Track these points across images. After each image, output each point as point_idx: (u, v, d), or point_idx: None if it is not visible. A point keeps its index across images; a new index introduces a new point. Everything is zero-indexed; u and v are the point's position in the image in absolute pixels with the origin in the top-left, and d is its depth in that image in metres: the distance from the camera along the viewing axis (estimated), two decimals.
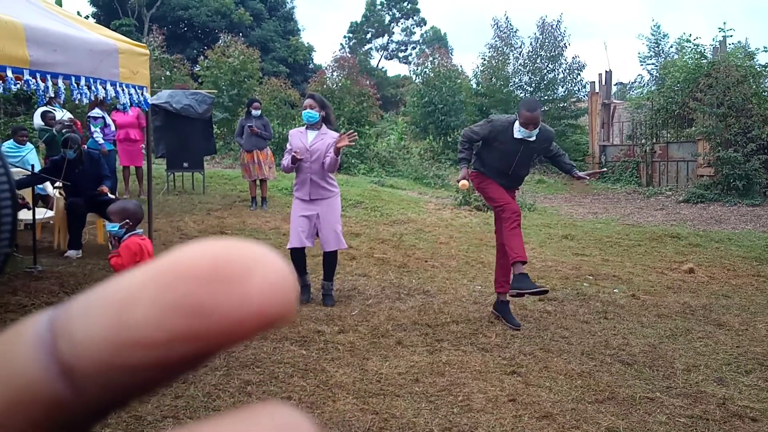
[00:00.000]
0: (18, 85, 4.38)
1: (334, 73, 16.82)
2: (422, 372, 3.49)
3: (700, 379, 3.49)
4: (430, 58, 18.71)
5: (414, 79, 19.90)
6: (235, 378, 3.30)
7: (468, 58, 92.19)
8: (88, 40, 4.86)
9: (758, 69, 12.57)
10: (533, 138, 4.21)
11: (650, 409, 3.11)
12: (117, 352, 0.21)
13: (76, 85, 4.74)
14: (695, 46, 13.66)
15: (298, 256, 4.67)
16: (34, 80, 4.36)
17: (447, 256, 6.52)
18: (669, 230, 8.71)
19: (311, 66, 31.60)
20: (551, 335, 4.16)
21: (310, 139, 4.57)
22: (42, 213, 6.05)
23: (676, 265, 6.41)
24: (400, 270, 5.82)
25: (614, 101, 16.95)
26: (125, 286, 0.22)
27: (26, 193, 5.76)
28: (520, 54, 18.93)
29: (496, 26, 19.43)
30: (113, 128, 8.64)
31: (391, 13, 38.77)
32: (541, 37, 18.44)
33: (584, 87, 18.25)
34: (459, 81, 18.21)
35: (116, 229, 3.40)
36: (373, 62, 38.10)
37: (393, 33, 39.44)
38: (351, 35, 38.63)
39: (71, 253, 5.71)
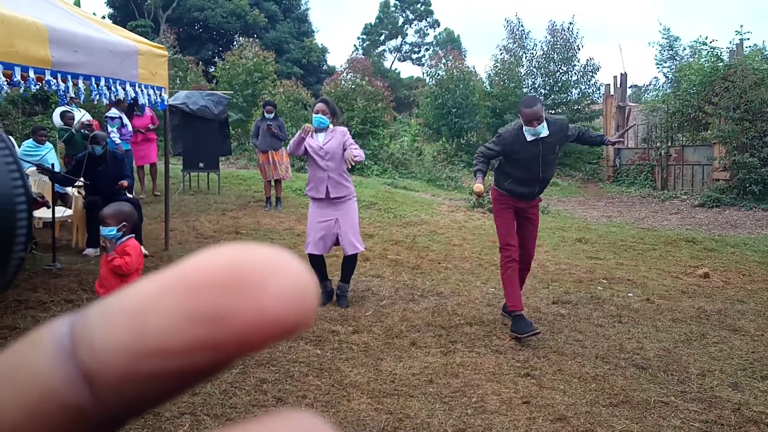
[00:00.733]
0: (39, 86, 4.46)
1: (348, 75, 16.90)
2: (436, 373, 3.51)
3: (714, 384, 3.48)
4: (444, 60, 18.71)
5: (427, 81, 19.91)
6: (251, 376, 3.34)
7: (481, 60, 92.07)
8: (108, 42, 4.93)
9: None
10: (547, 133, 4.07)
11: (664, 413, 3.11)
12: (137, 360, 0.21)
13: (96, 85, 4.82)
14: (711, 49, 13.56)
15: (318, 263, 4.71)
16: (55, 81, 4.43)
17: (460, 258, 6.53)
18: (684, 234, 8.66)
19: (325, 67, 31.73)
20: (565, 338, 4.16)
21: (321, 140, 4.62)
22: (61, 211, 6.13)
23: (691, 269, 6.38)
24: (413, 271, 5.85)
25: (629, 104, 16.85)
26: (143, 294, 0.21)
27: (46, 192, 5.85)
28: (533, 56, 18.88)
29: (508, 26, 19.40)
30: (130, 128, 8.76)
31: (404, 14, 38.80)
32: (552, 39, 18.37)
33: (598, 89, 18.16)
34: (472, 83, 18.21)
35: (114, 232, 3.33)
36: (387, 64, 38.16)
37: (406, 34, 39.48)
38: (365, 37, 38.71)
39: (89, 251, 5.80)
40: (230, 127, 12.07)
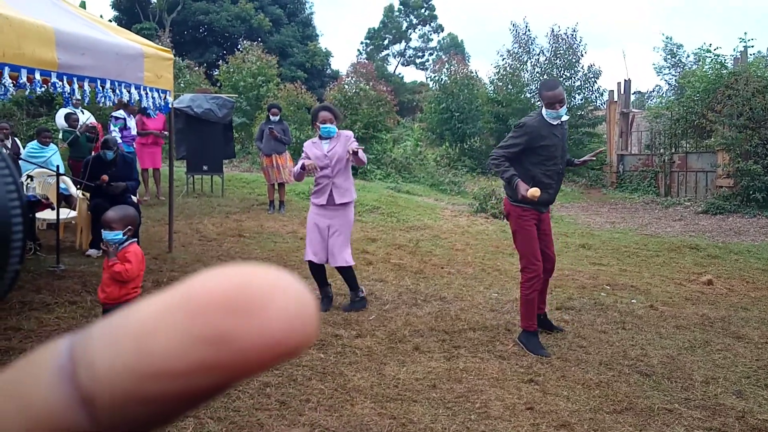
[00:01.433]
0: (44, 88, 4.47)
1: (352, 79, 16.93)
2: (439, 378, 3.50)
3: (719, 391, 3.47)
4: (447, 65, 18.73)
5: (431, 85, 19.92)
6: (254, 379, 3.33)
7: (484, 65, 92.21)
8: (114, 44, 4.95)
9: None
10: (566, 117, 4.08)
11: (668, 420, 3.10)
12: (139, 382, 0.20)
13: (101, 88, 4.83)
14: (716, 57, 13.56)
15: (317, 269, 4.71)
16: (60, 83, 4.44)
17: (463, 263, 6.53)
18: (687, 241, 8.64)
19: (329, 71, 31.79)
20: (569, 344, 4.15)
21: (325, 147, 4.61)
22: (65, 213, 6.15)
23: (695, 276, 6.36)
24: (416, 276, 5.84)
25: (633, 110, 16.84)
26: (145, 315, 0.21)
27: (50, 193, 5.86)
28: (537, 62, 18.87)
29: (514, 30, 19.37)
30: (133, 131, 8.78)
31: (408, 19, 38.89)
32: (554, 46, 18.35)
33: (601, 95, 18.15)
34: (476, 89, 18.21)
35: (120, 236, 3.27)
36: (390, 68, 38.24)
37: (410, 39, 39.56)
38: (368, 41, 38.80)
39: (93, 252, 5.81)
40: (234, 131, 12.10)
